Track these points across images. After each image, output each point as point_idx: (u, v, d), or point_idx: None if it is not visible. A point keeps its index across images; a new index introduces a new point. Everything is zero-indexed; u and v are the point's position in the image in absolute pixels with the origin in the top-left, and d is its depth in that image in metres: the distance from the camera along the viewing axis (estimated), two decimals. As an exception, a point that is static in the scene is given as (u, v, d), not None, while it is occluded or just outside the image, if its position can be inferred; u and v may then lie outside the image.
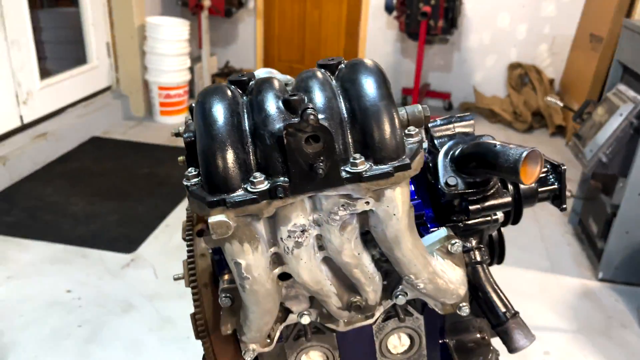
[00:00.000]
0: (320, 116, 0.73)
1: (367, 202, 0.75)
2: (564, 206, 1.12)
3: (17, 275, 3.17)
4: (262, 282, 0.81)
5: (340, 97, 0.77)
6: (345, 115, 0.75)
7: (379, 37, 6.28)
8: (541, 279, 3.44)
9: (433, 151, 0.98)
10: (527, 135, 5.87)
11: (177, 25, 5.31)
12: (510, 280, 3.31)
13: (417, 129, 0.79)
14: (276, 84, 0.79)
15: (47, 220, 3.74)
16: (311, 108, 0.67)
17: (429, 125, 1.02)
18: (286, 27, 6.51)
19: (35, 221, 3.73)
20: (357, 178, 0.71)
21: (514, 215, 1.14)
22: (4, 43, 4.14)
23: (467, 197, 0.94)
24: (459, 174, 0.93)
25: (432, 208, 1.06)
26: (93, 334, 2.75)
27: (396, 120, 0.74)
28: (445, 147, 0.95)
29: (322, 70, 0.82)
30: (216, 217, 0.70)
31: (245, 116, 0.75)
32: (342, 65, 0.82)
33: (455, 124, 1.00)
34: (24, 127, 4.47)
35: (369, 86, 0.76)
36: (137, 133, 5.33)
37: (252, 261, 0.77)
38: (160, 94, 5.51)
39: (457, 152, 0.93)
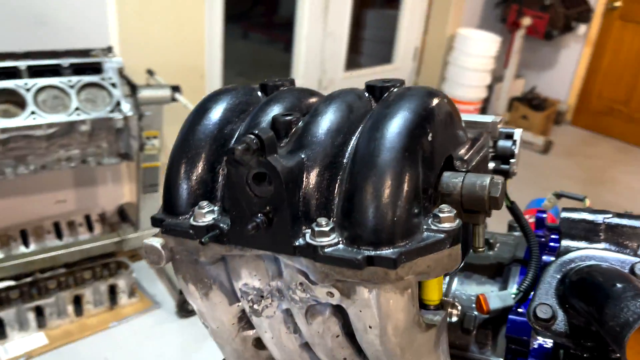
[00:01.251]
0: (302, 155, 0.51)
1: (331, 294, 0.50)
2: None
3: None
4: (225, 339, 0.64)
5: (358, 134, 0.53)
6: (346, 161, 0.52)
7: None
8: None
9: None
10: None
11: (486, 40, 5.08)
12: None
13: (453, 212, 0.49)
14: (302, 96, 0.60)
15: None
16: (253, 135, 0.47)
17: (562, 214, 0.65)
18: (619, 61, 5.56)
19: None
20: (309, 252, 0.48)
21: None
22: (322, 33, 4.63)
23: (569, 346, 0.56)
24: (566, 306, 0.57)
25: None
26: None
27: (404, 188, 0.47)
28: (563, 258, 0.59)
29: (364, 92, 0.59)
30: (151, 240, 0.57)
31: (241, 129, 0.59)
32: (395, 90, 0.57)
33: (608, 222, 0.61)
34: (319, 110, 4.95)
35: (391, 128, 0.50)
36: (417, 139, 5.34)
37: (203, 308, 0.61)
38: (450, 106, 5.39)
39: (573, 272, 0.57)
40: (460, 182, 0.53)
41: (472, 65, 5.16)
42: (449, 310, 0.62)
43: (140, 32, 3.17)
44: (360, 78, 5.20)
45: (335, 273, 0.48)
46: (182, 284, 0.60)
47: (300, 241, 0.49)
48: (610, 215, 0.62)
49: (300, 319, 0.55)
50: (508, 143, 0.71)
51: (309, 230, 0.49)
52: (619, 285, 0.47)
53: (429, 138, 0.50)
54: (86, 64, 2.48)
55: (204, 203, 0.54)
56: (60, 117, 2.32)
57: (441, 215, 0.49)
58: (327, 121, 0.53)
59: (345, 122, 0.53)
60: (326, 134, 0.52)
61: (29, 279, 2.73)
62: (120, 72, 2.54)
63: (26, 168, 2.45)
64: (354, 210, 0.48)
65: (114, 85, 2.48)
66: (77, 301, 2.75)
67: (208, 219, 0.53)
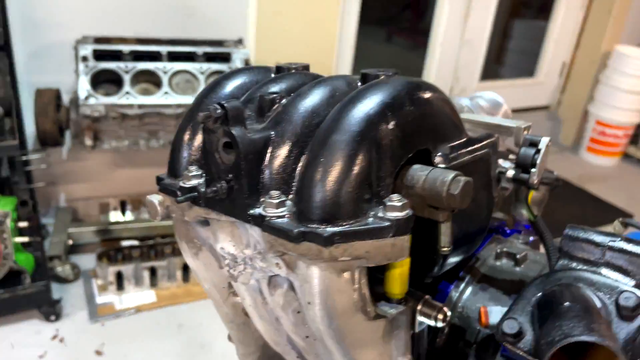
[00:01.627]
0: (272, 131, 0.54)
1: (279, 266, 0.53)
2: None
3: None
4: (217, 301, 0.70)
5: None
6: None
7: None
8: None
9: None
10: None
11: (647, 60, 4.57)
12: None
13: (402, 202, 0.49)
14: (303, 80, 0.62)
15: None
16: (217, 106, 0.51)
17: (566, 230, 0.59)
18: None
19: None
20: (258, 221, 0.51)
21: None
22: (458, 40, 4.52)
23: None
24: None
25: None
26: None
27: (350, 170, 0.48)
28: (549, 276, 0.54)
29: (357, 80, 0.60)
30: (152, 196, 0.64)
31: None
32: (382, 78, 0.57)
33: (612, 245, 0.54)
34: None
35: (352, 111, 0.51)
36: (552, 161, 4.98)
37: (195, 267, 0.67)
38: (595, 129, 4.95)
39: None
40: (424, 176, 0.51)
41: (628, 86, 4.68)
42: (435, 314, 0.60)
43: (275, 27, 3.37)
44: (496, 90, 4.97)
45: (278, 244, 0.50)
46: (178, 241, 0.66)
47: (255, 211, 0.52)
48: (618, 239, 0.55)
49: (265, 289, 0.58)
50: (530, 151, 0.67)
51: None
52: (567, 304, 0.43)
53: (390, 126, 0.50)
54: (217, 53, 2.70)
55: (193, 167, 0.59)
56: (188, 99, 2.57)
57: (388, 203, 0.48)
58: (304, 102, 0.55)
59: (323, 105, 0.55)
60: (300, 113, 0.54)
61: (150, 242, 3.05)
62: (246, 63, 2.73)
63: (157, 142, 2.74)
64: (302, 186, 0.50)
65: (238, 74, 2.67)
66: (186, 268, 3.01)
67: (193, 182, 0.59)
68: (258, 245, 0.54)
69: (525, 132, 0.69)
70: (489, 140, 0.63)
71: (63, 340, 2.60)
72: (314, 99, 0.55)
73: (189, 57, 2.67)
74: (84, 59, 2.52)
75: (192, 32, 2.97)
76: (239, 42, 2.85)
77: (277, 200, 0.50)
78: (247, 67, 0.68)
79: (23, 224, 2.61)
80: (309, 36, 3.55)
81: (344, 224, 0.48)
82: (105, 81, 2.65)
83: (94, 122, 2.57)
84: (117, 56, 2.58)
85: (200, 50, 2.68)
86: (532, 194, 0.98)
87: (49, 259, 2.85)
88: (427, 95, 0.56)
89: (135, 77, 2.58)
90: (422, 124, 0.54)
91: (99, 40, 2.66)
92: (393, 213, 0.48)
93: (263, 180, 0.52)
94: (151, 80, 2.63)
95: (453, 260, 0.64)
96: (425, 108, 0.54)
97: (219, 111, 0.50)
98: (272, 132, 0.53)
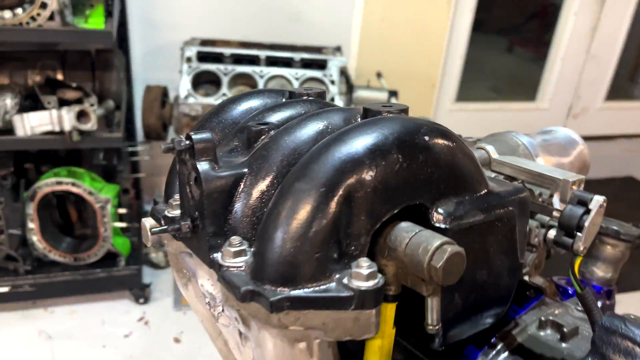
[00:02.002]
0: (246, 168, 0.48)
1: (237, 320, 0.47)
2: None
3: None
4: (210, 334, 0.66)
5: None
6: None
7: None
8: None
9: None
10: None
11: None
12: None
13: (371, 269, 0.41)
14: (307, 109, 0.56)
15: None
16: (182, 138, 0.46)
17: (603, 319, 0.46)
18: None
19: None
20: (216, 267, 0.46)
21: None
22: (583, 55, 4.13)
23: None
24: None
25: None
26: None
27: (314, 228, 0.41)
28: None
29: (355, 114, 0.52)
30: (145, 220, 0.61)
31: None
32: (381, 116, 0.49)
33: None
34: (563, 139, 4.44)
35: (326, 155, 0.44)
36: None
37: (187, 297, 0.64)
38: None
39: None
40: (408, 239, 0.42)
41: None
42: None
43: (379, 34, 3.30)
44: (625, 111, 4.49)
45: (232, 299, 0.44)
46: (172, 268, 0.63)
47: (215, 256, 0.46)
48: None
49: (235, 336, 0.53)
50: (578, 211, 0.54)
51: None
52: None
53: (367, 177, 0.42)
54: (314, 60, 2.69)
55: (178, 196, 0.55)
56: (280, 104, 2.58)
57: (354, 269, 0.40)
58: (289, 137, 0.48)
59: (309, 142, 0.48)
60: (280, 150, 0.47)
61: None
62: (342, 71, 2.69)
63: (249, 143, 2.79)
64: (258, 237, 0.43)
65: (332, 82, 2.64)
66: (268, 269, 3.05)
67: (177, 212, 0.55)
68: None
69: (574, 187, 0.57)
70: (514, 197, 0.51)
71: (148, 323, 2.75)
72: (300, 134, 0.48)
73: (287, 63, 2.68)
74: (188, 59, 2.63)
75: (296, 37, 3.00)
76: (337, 49, 2.82)
77: (236, 249, 0.44)
78: (259, 90, 0.63)
79: (123, 211, 2.79)
80: (415, 44, 3.43)
81: (301, 287, 0.41)
82: (207, 82, 2.75)
83: (192, 120, 2.68)
84: (218, 58, 2.67)
85: (297, 56, 2.68)
86: (609, 252, 0.83)
87: (145, 245, 3.03)
88: (427, 141, 0.46)
89: (233, 79, 2.65)
90: (415, 175, 0.45)
91: (204, 42, 2.77)
92: (357, 281, 0.40)
93: (230, 222, 0.47)
94: (249, 83, 2.68)
95: (458, 335, 0.54)
96: (420, 156, 0.45)
97: (183, 143, 0.45)
98: (246, 169, 0.48)
